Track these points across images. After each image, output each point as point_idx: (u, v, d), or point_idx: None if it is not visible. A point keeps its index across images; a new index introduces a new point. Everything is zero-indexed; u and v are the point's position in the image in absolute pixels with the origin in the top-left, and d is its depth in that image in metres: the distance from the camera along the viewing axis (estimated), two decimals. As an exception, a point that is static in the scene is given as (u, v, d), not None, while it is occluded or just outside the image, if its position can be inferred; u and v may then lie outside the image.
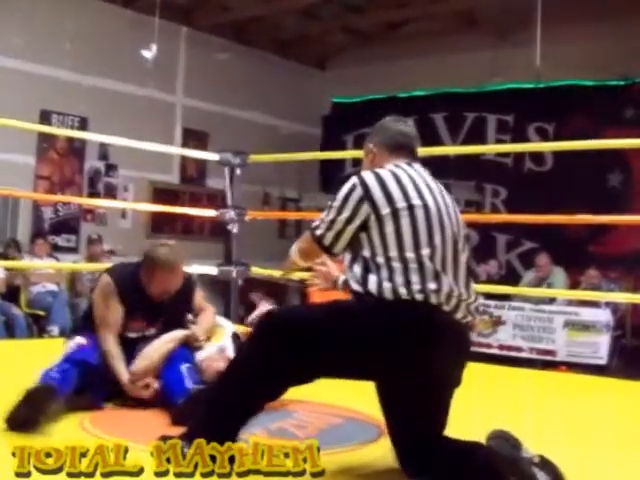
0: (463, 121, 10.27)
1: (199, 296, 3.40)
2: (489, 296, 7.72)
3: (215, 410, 2.21)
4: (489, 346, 7.60)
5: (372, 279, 2.15)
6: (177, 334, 3.15)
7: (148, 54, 7.62)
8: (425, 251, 2.16)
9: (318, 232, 2.29)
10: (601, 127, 8.41)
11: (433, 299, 2.13)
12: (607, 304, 7.37)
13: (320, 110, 11.34)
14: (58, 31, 8.55)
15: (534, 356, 7.36)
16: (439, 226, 2.21)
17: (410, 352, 2.09)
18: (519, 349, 7.46)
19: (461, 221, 2.34)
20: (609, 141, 6.43)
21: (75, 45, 8.68)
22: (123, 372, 2.99)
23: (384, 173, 2.24)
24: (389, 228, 2.16)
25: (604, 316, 7.18)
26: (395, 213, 2.16)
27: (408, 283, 2.12)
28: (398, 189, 2.19)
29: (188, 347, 3.17)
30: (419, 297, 2.11)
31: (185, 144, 9.82)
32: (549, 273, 7.96)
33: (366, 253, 2.19)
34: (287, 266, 2.53)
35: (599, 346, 7.08)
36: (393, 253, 2.15)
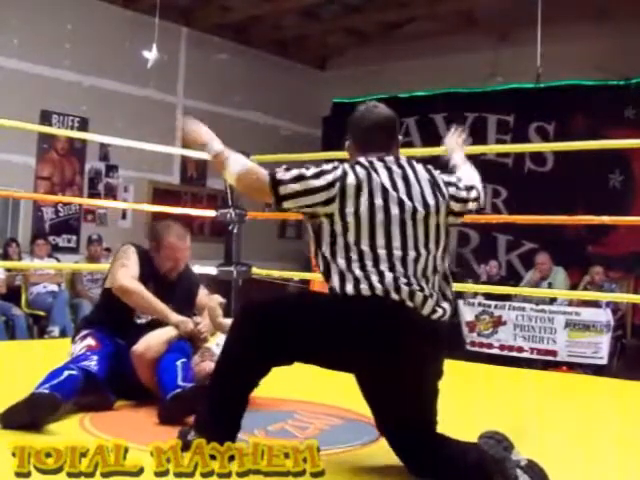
0: (463, 121, 10.25)
1: (203, 294, 3.42)
2: (490, 296, 7.73)
3: (211, 406, 2.25)
4: (490, 346, 7.60)
5: (335, 272, 2.17)
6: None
7: (150, 55, 7.59)
8: (388, 246, 2.17)
9: (279, 175, 2.20)
10: (601, 127, 8.41)
11: (394, 295, 2.12)
12: (607, 304, 7.37)
13: (320, 110, 11.33)
14: (58, 31, 8.55)
15: (535, 356, 7.36)
16: (411, 222, 2.20)
17: (370, 349, 2.10)
18: (520, 349, 7.45)
19: (442, 215, 2.28)
20: (609, 141, 6.42)
21: (75, 45, 8.68)
22: (168, 311, 3.07)
23: (359, 169, 2.23)
24: (350, 218, 2.17)
25: (604, 316, 7.17)
26: (357, 204, 2.17)
27: (368, 278, 2.12)
28: (367, 185, 2.20)
29: (190, 341, 3.16)
30: (380, 293, 2.11)
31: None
32: (549, 273, 7.96)
33: (328, 245, 2.20)
34: (217, 163, 2.33)
35: (600, 346, 7.07)
36: (358, 246, 2.16)
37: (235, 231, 5.23)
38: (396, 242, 2.18)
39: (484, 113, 10.09)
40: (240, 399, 2.26)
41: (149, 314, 3.14)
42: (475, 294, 7.83)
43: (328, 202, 2.18)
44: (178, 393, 2.72)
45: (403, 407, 2.15)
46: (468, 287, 7.33)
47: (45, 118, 8.38)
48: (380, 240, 2.17)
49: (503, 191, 9.94)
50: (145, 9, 8.74)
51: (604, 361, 7.06)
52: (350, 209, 2.17)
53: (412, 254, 2.19)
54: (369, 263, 2.14)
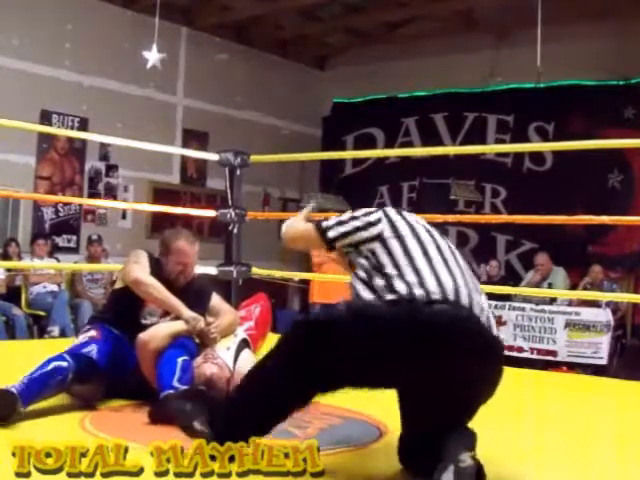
0: (463, 121, 10.27)
1: (216, 299, 3.41)
2: (490, 296, 7.72)
3: (237, 415, 2.20)
4: (489, 346, 7.59)
5: (382, 283, 2.12)
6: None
7: (150, 55, 7.58)
8: (448, 256, 2.20)
9: (325, 223, 2.36)
10: (601, 127, 8.41)
11: (464, 299, 2.09)
12: (607, 304, 7.38)
13: (320, 110, 11.34)
14: (58, 31, 8.56)
15: (535, 356, 7.36)
16: (443, 241, 2.29)
17: (439, 356, 2.03)
18: (520, 349, 7.46)
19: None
20: (609, 141, 6.43)
21: (75, 45, 8.69)
22: (181, 306, 3.09)
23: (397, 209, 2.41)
24: (406, 232, 2.23)
25: (604, 316, 7.18)
26: (411, 226, 2.27)
27: (438, 286, 2.09)
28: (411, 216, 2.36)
29: (199, 339, 3.16)
30: (451, 297, 2.08)
31: (185, 144, 9.83)
32: (549, 273, 7.96)
33: (382, 260, 2.18)
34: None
35: (600, 346, 7.08)
36: (415, 256, 2.16)
37: (235, 231, 5.22)
38: (446, 254, 2.22)
39: (484, 113, 10.10)
40: (265, 420, 2.19)
41: (162, 307, 3.14)
42: (475, 294, 7.83)
43: (378, 236, 2.24)
44: (170, 394, 2.72)
45: (445, 414, 2.10)
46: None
47: (45, 118, 8.38)
48: (433, 252, 2.20)
49: (502, 191, 9.95)
50: (145, 9, 8.74)
51: (604, 361, 7.06)
52: (404, 230, 2.24)
53: (463, 264, 2.24)
54: (420, 272, 2.12)
